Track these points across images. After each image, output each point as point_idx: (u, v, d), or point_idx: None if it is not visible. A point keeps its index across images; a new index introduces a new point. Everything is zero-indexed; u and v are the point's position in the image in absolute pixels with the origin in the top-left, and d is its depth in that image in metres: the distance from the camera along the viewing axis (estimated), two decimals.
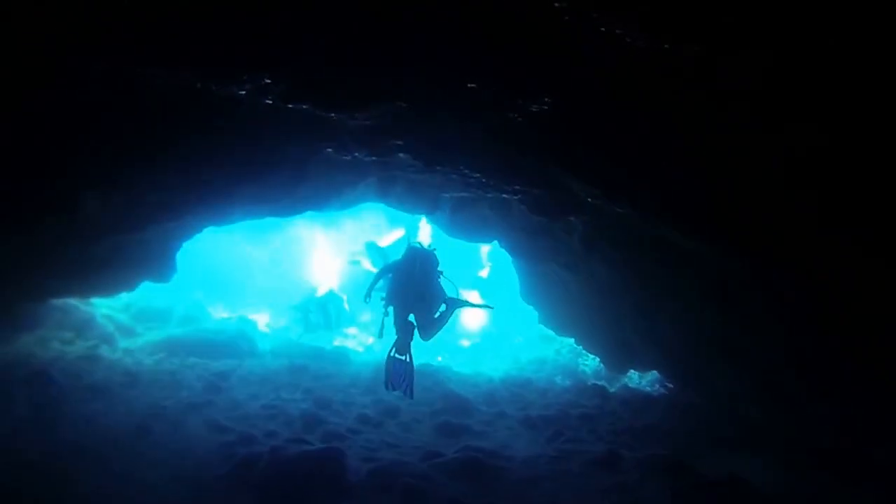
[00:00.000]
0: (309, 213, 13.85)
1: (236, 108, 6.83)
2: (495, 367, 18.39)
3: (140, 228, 9.77)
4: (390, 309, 9.64)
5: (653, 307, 11.32)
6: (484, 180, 9.29)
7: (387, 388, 9.99)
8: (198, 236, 12.71)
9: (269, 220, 14.06)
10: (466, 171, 8.92)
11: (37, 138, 6.32)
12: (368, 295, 10.43)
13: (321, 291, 21.14)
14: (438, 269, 9.90)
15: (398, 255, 10.18)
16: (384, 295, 9.85)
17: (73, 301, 13.76)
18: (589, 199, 8.85)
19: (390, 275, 10.02)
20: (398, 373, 9.75)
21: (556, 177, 8.41)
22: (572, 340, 17.24)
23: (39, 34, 4.94)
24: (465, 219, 13.80)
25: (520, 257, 14.79)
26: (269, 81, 5.86)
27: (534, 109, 6.70)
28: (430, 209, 12.66)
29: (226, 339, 15.17)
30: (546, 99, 6.35)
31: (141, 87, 6.00)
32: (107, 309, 14.80)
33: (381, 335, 10.09)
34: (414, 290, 9.57)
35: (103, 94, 6.17)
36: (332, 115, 6.87)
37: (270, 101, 6.39)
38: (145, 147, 7.09)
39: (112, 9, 4.64)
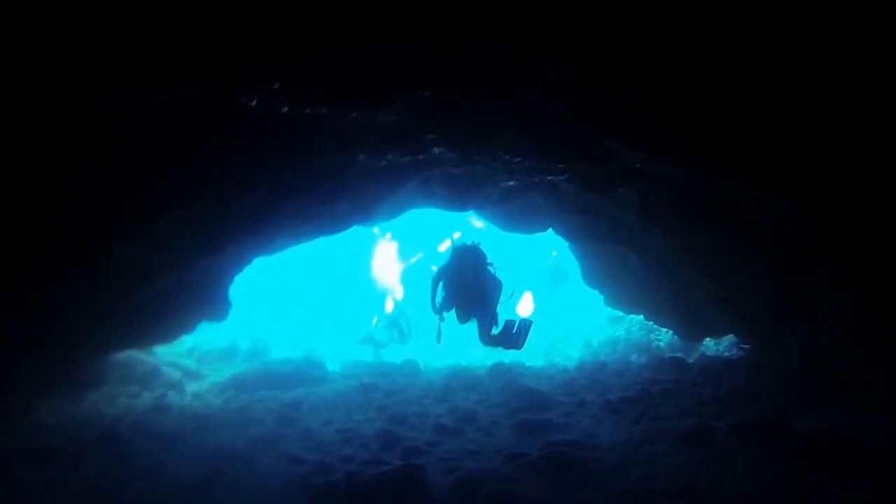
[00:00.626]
0: (355, 227, 13.54)
1: (255, 127, 6.48)
2: (569, 356, 17.78)
3: (183, 268, 9.54)
4: (447, 315, 9.54)
5: (722, 270, 10.65)
6: (526, 164, 8.74)
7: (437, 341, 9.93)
8: (248, 268, 12.47)
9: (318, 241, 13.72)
10: (506, 156, 8.38)
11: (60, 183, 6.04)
12: (435, 307, 10.12)
13: (388, 307, 20.76)
14: (488, 262, 9.74)
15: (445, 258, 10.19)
16: (439, 300, 9.66)
17: (135, 354, 13.60)
18: (637, 165, 8.21)
19: (442, 280, 9.79)
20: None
21: (599, 146, 7.81)
22: (641, 317, 16.62)
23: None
24: (515, 210, 13.24)
25: (576, 241, 14.15)
26: (277, 87, 5.44)
27: (565, 74, 6.14)
28: (478, 205, 12.15)
29: (293, 368, 14.90)
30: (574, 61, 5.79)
31: (156, 109, 5.64)
32: (171, 357, 14.69)
33: (439, 340, 10.17)
34: (467, 290, 9.41)
35: (123, 128, 5.87)
36: (355, 113, 6.43)
37: (287, 109, 5.98)
38: (168, 181, 6.78)
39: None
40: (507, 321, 9.70)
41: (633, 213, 11.08)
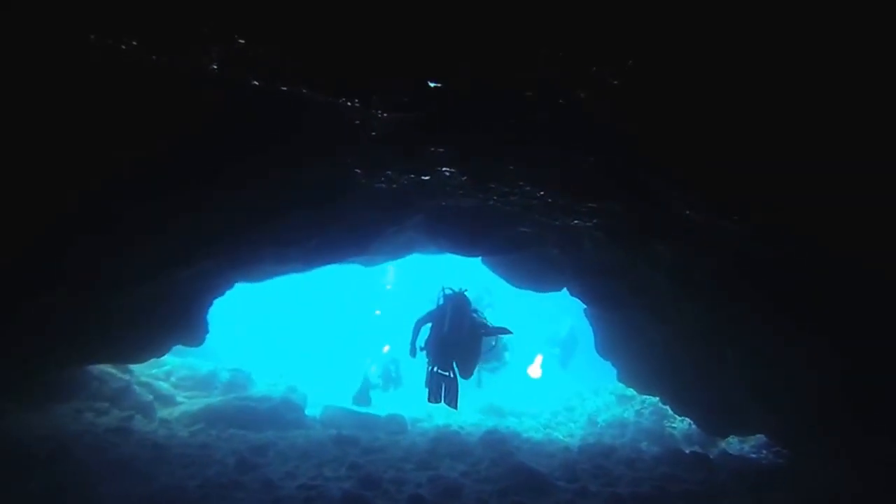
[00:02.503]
0: (350, 263, 12.04)
1: (234, 114, 5.09)
2: (571, 433, 15.90)
3: (156, 279, 8.06)
4: (435, 367, 9.30)
5: (768, 358, 8.88)
6: (549, 200, 7.21)
7: (429, 401, 9.64)
8: (241, 298, 10.97)
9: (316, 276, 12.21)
10: (527, 187, 6.87)
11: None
12: (413, 351, 9.79)
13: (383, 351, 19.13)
14: (472, 308, 9.59)
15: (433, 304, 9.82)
16: (423, 345, 9.48)
17: (110, 369, 12.23)
18: (687, 212, 6.65)
19: (429, 324, 9.60)
20: (439, 388, 9.40)
21: (642, 183, 6.30)
22: (656, 399, 14.80)
23: None
24: (529, 263, 11.69)
25: (594, 304, 12.45)
26: (243, 43, 4.01)
27: (613, 82, 4.70)
28: (488, 250, 10.58)
29: (270, 407, 13.22)
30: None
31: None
32: (147, 377, 13.17)
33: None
34: (450, 337, 9.23)
35: None
36: (345, 100, 4.98)
37: (258, 83, 4.57)
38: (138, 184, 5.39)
39: None
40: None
41: (664, 276, 9.45)
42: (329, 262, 10.02)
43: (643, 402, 16.82)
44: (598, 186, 6.70)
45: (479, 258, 11.73)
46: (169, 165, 5.90)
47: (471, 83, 4.80)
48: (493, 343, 13.66)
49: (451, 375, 9.51)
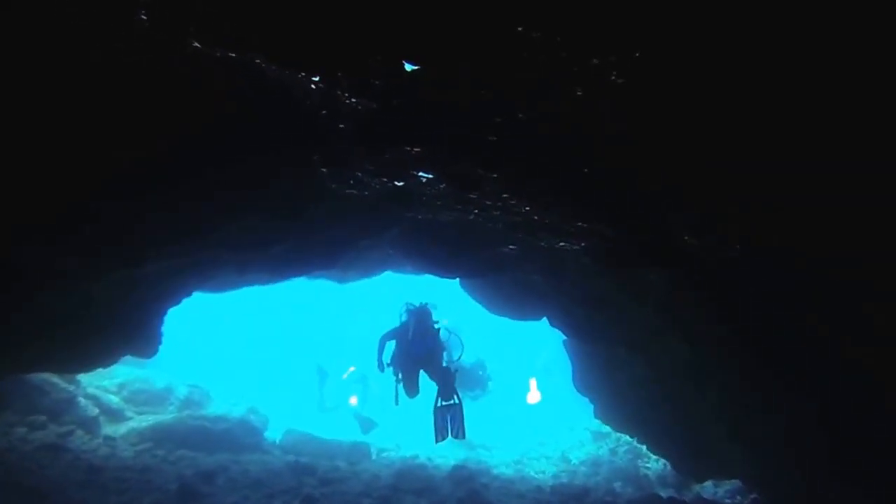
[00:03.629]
0: (320, 278, 11.16)
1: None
2: (542, 470, 14.99)
3: (99, 277, 7.13)
4: (400, 374, 9.35)
5: (753, 402, 8.21)
6: (536, 217, 6.42)
7: (437, 441, 9.40)
8: (206, 312, 10.03)
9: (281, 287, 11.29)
10: (512, 201, 6.08)
11: None
12: (380, 366, 9.67)
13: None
14: (434, 321, 9.67)
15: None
16: (389, 361, 9.44)
17: (53, 379, 11.14)
18: (685, 238, 5.90)
19: (393, 340, 9.61)
20: (445, 422, 9.28)
21: (639, 202, 5.55)
22: (630, 438, 14.05)
23: None
24: (509, 289, 10.89)
25: (575, 336, 11.63)
26: None
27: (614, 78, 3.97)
28: (468, 273, 9.75)
29: (226, 428, 12.18)
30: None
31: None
32: (95, 389, 12.08)
33: (397, 403, 9.53)
34: (415, 350, 9.32)
35: None
36: (306, 75, 4.18)
37: (199, 45, 3.76)
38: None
39: None
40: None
41: (653, 309, 8.70)
42: (296, 274, 9.14)
43: (618, 439, 16.31)
44: (590, 205, 5.93)
45: (457, 280, 10.91)
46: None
47: (455, 69, 4.03)
48: (480, 372, 14.19)
49: (456, 402, 9.37)
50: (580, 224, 6.28)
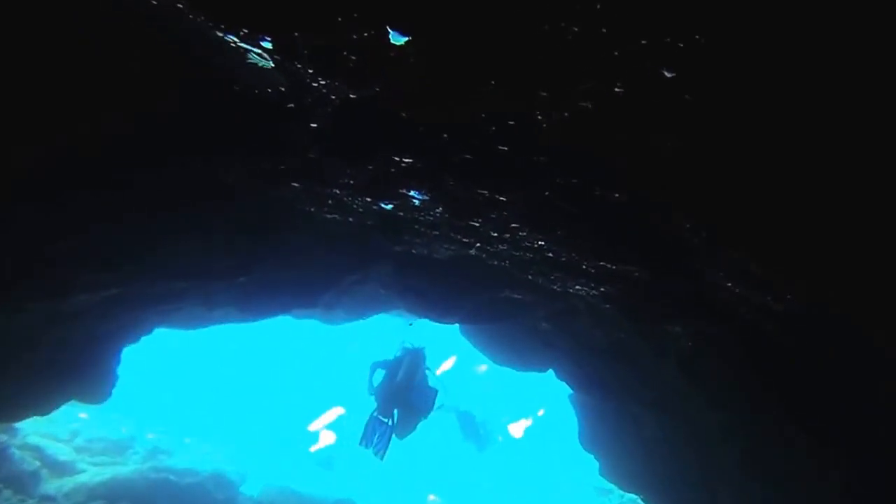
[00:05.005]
0: (305, 318, 9.90)
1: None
2: None
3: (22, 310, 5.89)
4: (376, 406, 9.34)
5: (775, 465, 7.19)
6: (550, 253, 5.20)
7: (360, 443, 9.53)
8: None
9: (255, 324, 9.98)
10: (523, 231, 4.88)
11: None
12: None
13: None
14: (426, 366, 9.65)
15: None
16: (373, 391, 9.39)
17: None
18: (728, 285, 4.70)
19: (382, 370, 9.61)
20: (373, 434, 9.34)
21: (683, 245, 4.37)
22: (634, 496, 12.82)
23: None
24: (514, 336, 9.63)
25: (584, 391, 10.29)
26: None
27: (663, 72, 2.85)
28: (466, 317, 8.46)
29: (195, 482, 10.77)
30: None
31: None
32: (38, 438, 10.63)
33: (361, 443, 9.49)
34: (396, 388, 9.27)
35: None
36: (251, 37, 3.03)
37: None
38: None
39: None
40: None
41: (674, 366, 7.48)
42: (271, 312, 7.87)
43: (622, 496, 15.05)
44: (617, 241, 4.74)
45: (457, 325, 9.66)
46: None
47: (458, 47, 2.89)
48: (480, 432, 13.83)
49: (389, 423, 9.36)
50: (603, 264, 5.06)
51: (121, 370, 8.82)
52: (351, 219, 5.75)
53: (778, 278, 4.34)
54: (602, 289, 5.76)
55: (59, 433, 11.33)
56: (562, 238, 4.83)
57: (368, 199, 4.85)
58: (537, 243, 5.04)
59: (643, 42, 2.75)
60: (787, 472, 7.26)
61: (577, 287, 5.95)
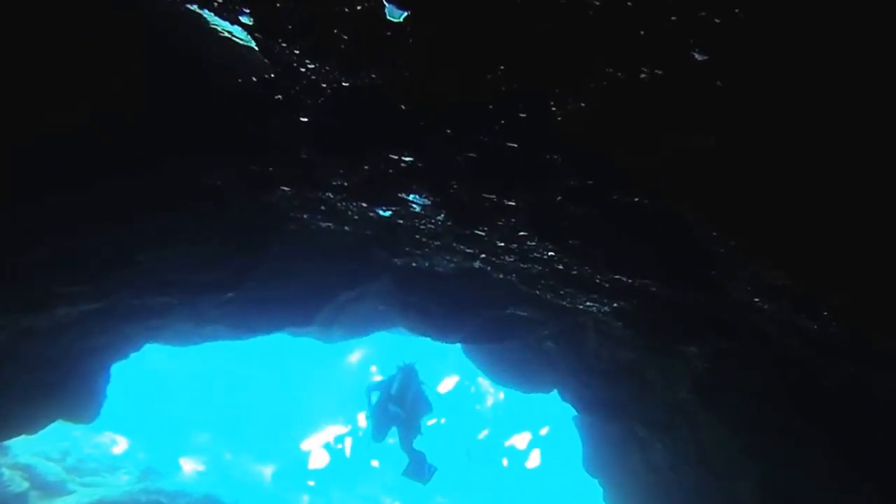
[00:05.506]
0: (302, 335, 9.46)
1: None
2: None
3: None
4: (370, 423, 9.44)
5: (797, 497, 6.66)
6: (561, 266, 4.79)
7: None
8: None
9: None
10: (532, 241, 4.47)
11: None
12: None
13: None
14: (420, 380, 9.62)
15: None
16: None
17: None
18: (756, 300, 4.27)
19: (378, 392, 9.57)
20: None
21: (702, 251, 3.95)
22: None
23: None
24: (516, 354, 9.18)
25: (589, 412, 9.78)
26: None
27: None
28: (469, 336, 7.99)
29: None
30: None
31: None
32: (29, 457, 10.16)
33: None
34: (391, 406, 9.32)
35: None
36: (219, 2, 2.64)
37: None
38: None
39: None
40: (418, 455, 9.72)
41: (688, 386, 7.03)
42: (264, 330, 7.44)
43: None
44: (635, 253, 4.33)
45: (459, 345, 9.21)
46: None
47: (465, 26, 2.51)
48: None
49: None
50: (618, 277, 4.64)
51: (115, 387, 8.41)
52: (347, 227, 5.35)
53: (813, 293, 3.92)
54: (615, 305, 5.33)
55: (51, 452, 10.84)
56: (574, 248, 4.41)
57: (364, 205, 4.44)
58: (547, 254, 4.62)
59: (673, 18, 2.38)
60: (808, 501, 6.80)
61: (588, 303, 5.52)
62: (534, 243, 4.49)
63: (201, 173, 4.07)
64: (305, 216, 5.23)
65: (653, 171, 3.47)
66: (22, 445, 10.13)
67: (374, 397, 9.53)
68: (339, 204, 4.56)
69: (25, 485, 9.39)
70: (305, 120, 3.57)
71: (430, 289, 6.74)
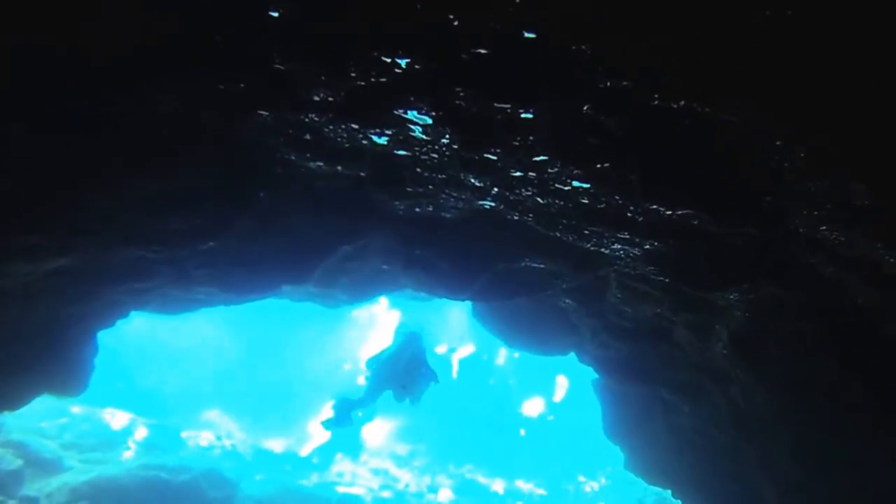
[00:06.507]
0: (300, 300, 8.81)
1: None
2: None
3: None
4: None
5: (838, 457, 6.03)
6: (586, 198, 4.05)
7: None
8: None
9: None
10: (553, 166, 3.72)
11: None
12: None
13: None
14: (421, 346, 9.39)
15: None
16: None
17: None
18: (823, 229, 3.54)
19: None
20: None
21: (774, 182, 3.21)
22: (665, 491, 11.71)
23: None
24: (531, 315, 8.49)
25: (610, 375, 9.10)
26: None
27: None
28: (479, 292, 7.25)
29: (188, 480, 9.70)
30: None
31: None
32: (24, 434, 9.62)
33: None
34: (391, 368, 9.16)
35: None
36: None
37: None
38: None
39: None
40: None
41: (721, 344, 6.33)
42: (257, 290, 6.74)
43: (644, 489, 13.99)
44: (678, 174, 3.59)
45: (469, 303, 8.54)
46: None
47: None
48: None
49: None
50: (655, 208, 3.90)
51: (117, 362, 7.82)
52: (340, 167, 4.63)
53: None
54: (647, 246, 4.59)
55: (48, 428, 10.32)
56: (603, 174, 3.67)
57: (355, 127, 3.71)
58: (571, 183, 3.88)
59: None
60: (850, 464, 6.15)
61: (616, 246, 4.79)
62: (555, 170, 3.75)
63: (156, 96, 3.35)
64: (293, 157, 4.52)
65: (701, 62, 2.73)
66: (16, 422, 9.61)
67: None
68: (326, 129, 3.82)
69: (19, 462, 8.87)
70: (276, 14, 2.84)
71: (437, 240, 6.04)
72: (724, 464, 8.16)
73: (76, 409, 11.51)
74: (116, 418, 11.70)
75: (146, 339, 16.42)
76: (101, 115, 3.35)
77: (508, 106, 3.22)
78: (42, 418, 10.09)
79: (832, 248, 3.67)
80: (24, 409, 8.34)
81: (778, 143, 3.07)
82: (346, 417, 9.20)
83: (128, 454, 10.85)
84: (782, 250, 3.97)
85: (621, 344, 7.91)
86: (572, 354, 9.45)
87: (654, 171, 3.53)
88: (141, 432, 11.56)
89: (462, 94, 3.19)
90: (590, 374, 9.86)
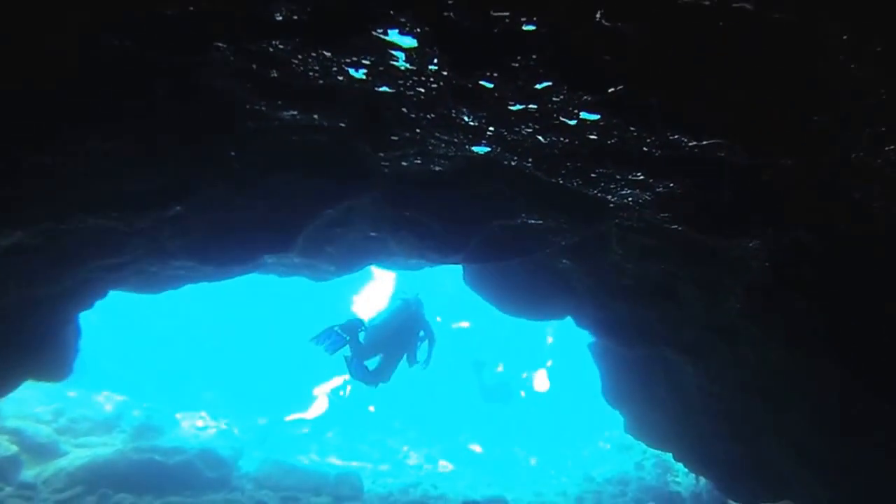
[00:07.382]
0: (288, 275, 8.17)
1: None
2: (563, 492, 12.05)
3: None
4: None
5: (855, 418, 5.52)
6: (595, 133, 3.40)
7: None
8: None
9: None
10: (558, 93, 3.08)
11: None
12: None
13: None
14: (418, 313, 8.90)
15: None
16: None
17: None
18: (877, 162, 2.92)
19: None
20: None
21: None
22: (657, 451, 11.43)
23: None
24: (526, 278, 7.89)
25: (609, 337, 8.51)
26: None
27: None
28: (473, 253, 6.62)
29: (183, 462, 9.12)
30: None
31: None
32: (18, 420, 9.01)
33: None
34: (382, 333, 8.63)
35: None
36: None
37: None
38: None
39: None
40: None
41: (734, 298, 5.75)
42: (237, 263, 6.06)
43: (644, 451, 13.56)
44: (710, 93, 2.95)
45: (461, 267, 7.92)
46: None
47: None
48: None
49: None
50: (678, 138, 3.25)
51: (112, 344, 7.18)
52: (316, 116, 3.95)
53: None
54: (660, 189, 3.96)
55: (43, 413, 9.72)
56: (618, 99, 3.02)
57: (327, 54, 3.02)
58: (578, 115, 3.23)
59: None
60: (864, 427, 5.62)
61: (625, 191, 4.15)
62: (560, 98, 3.09)
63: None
64: (263, 107, 3.83)
65: None
66: (10, 408, 8.99)
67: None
68: (294, 61, 3.13)
69: (14, 448, 8.29)
70: None
71: (427, 200, 5.39)
72: (728, 426, 7.69)
73: (71, 394, 10.89)
74: (112, 402, 11.07)
75: (137, 321, 15.89)
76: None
77: (507, 13, 2.55)
78: (36, 404, 9.46)
79: (887, 181, 3.07)
80: (19, 396, 7.75)
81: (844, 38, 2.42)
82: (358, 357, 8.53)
83: (122, 437, 10.24)
84: (826, 185, 3.36)
85: (622, 304, 7.34)
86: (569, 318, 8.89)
87: (678, 90, 2.88)
88: (135, 415, 10.94)
89: (451, 1, 2.52)
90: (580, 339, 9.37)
